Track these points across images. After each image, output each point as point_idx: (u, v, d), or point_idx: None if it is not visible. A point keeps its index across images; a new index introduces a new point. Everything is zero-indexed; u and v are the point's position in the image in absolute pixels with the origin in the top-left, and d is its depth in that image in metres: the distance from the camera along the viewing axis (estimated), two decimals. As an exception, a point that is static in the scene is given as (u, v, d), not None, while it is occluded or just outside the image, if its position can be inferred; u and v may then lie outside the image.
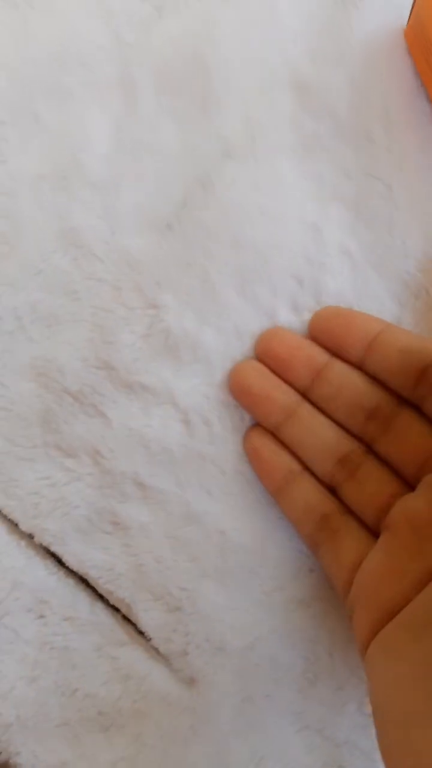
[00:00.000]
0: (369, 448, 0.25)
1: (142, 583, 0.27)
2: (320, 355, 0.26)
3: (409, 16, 0.27)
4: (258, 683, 0.26)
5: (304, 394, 0.26)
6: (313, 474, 0.26)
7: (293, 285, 0.27)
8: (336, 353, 0.26)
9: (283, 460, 0.26)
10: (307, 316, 0.27)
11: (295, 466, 0.26)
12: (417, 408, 0.25)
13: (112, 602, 0.27)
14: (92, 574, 0.27)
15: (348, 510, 0.25)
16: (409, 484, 0.24)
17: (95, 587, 0.27)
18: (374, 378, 0.25)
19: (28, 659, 0.26)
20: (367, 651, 0.22)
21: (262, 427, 0.26)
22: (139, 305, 0.27)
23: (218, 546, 0.27)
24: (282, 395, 0.26)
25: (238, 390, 0.26)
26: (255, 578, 0.27)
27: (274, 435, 0.26)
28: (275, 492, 0.26)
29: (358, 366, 0.25)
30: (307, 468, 0.26)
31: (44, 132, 0.28)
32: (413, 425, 0.24)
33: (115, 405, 0.27)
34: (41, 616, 0.26)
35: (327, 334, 0.26)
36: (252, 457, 0.26)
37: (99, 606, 0.27)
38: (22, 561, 0.26)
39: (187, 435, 0.27)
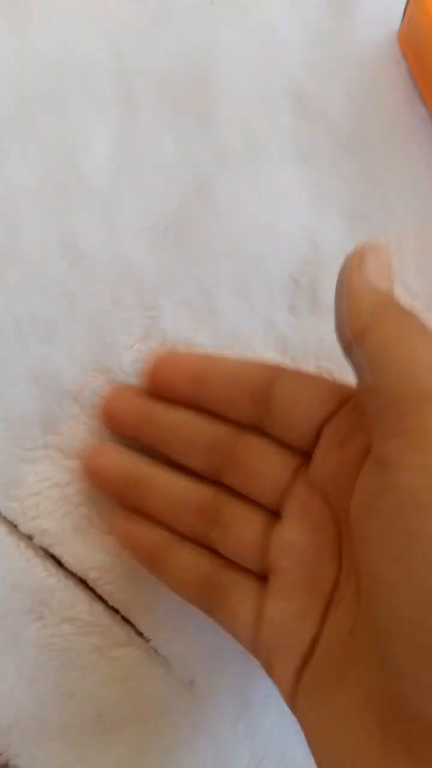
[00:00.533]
0: (221, 485, 0.24)
1: (142, 584, 0.27)
2: (144, 403, 0.25)
3: (402, 21, 0.28)
4: (258, 686, 0.26)
5: (139, 441, 0.25)
6: (185, 537, 0.24)
7: (290, 288, 0.27)
8: (168, 397, 0.25)
9: (147, 537, 0.25)
10: (304, 318, 0.27)
11: (164, 535, 0.24)
12: (262, 432, 0.23)
13: (111, 603, 0.27)
14: (91, 576, 0.27)
15: (228, 562, 0.23)
16: (274, 512, 0.23)
17: (94, 588, 0.27)
18: (210, 413, 0.24)
19: (28, 661, 0.26)
20: (295, 703, 0.20)
21: (124, 508, 0.26)
22: (137, 309, 0.27)
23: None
24: (117, 468, 0.25)
25: (96, 479, 0.26)
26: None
27: (139, 510, 0.25)
28: (158, 575, 0.25)
29: (193, 405, 0.24)
30: (176, 533, 0.24)
31: (43, 143, 0.28)
32: (255, 448, 0.23)
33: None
34: (40, 618, 0.26)
35: (155, 380, 0.25)
36: (125, 545, 0.26)
37: (98, 607, 0.27)
38: (22, 562, 0.27)
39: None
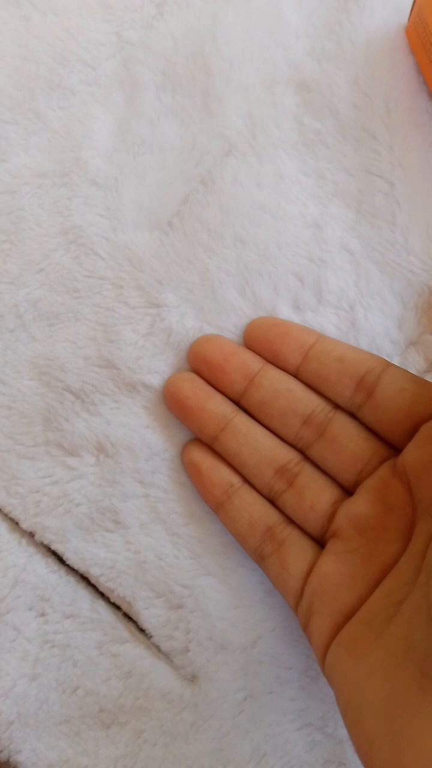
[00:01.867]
0: (305, 455, 0.25)
1: (144, 580, 0.27)
2: (254, 361, 0.26)
3: (410, 14, 0.27)
4: (260, 680, 0.26)
5: (238, 402, 0.26)
6: (252, 486, 0.26)
7: (294, 283, 0.27)
8: (271, 361, 0.26)
9: (222, 474, 0.26)
10: (308, 315, 0.27)
11: (235, 479, 0.26)
12: (352, 415, 0.25)
13: (113, 600, 0.27)
14: (93, 572, 0.27)
15: (290, 520, 0.25)
16: (347, 490, 0.25)
17: (96, 585, 0.27)
18: (309, 386, 0.25)
19: (30, 657, 0.26)
20: (328, 653, 0.22)
21: (199, 440, 0.26)
22: (141, 303, 0.27)
23: (220, 543, 0.27)
24: (216, 406, 0.26)
25: (173, 403, 0.26)
26: (257, 576, 0.27)
27: (212, 448, 0.26)
28: (216, 507, 0.26)
29: (293, 374, 0.26)
30: (246, 480, 0.26)
31: (46, 130, 0.28)
32: (348, 430, 0.24)
33: (117, 404, 0.27)
34: (42, 614, 0.26)
35: (262, 343, 0.26)
36: (191, 472, 0.26)
37: (100, 604, 0.27)
38: (23, 559, 0.26)
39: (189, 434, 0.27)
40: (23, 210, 0.27)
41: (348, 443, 0.24)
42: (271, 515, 0.25)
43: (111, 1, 0.28)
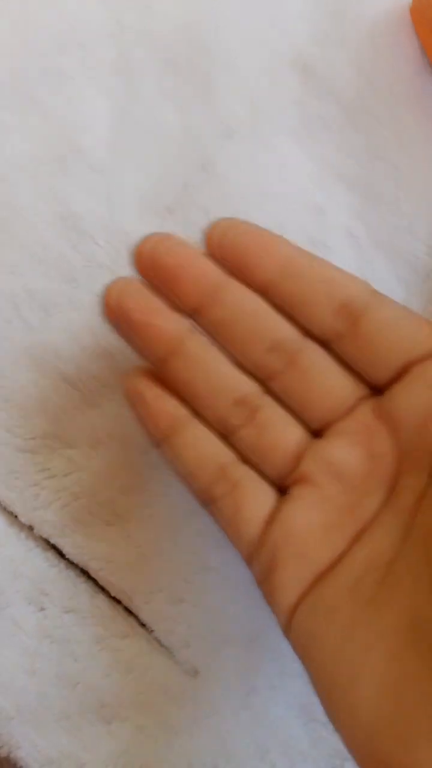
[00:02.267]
0: (267, 387, 0.22)
1: (144, 574, 0.26)
2: (216, 273, 0.21)
3: (415, -6, 0.27)
4: (263, 675, 0.26)
5: (193, 318, 0.22)
6: (204, 420, 0.22)
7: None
8: (238, 275, 0.21)
9: (168, 405, 0.22)
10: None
11: (183, 411, 0.22)
12: (325, 345, 0.22)
13: (113, 594, 0.26)
14: (93, 566, 0.26)
15: (246, 459, 0.22)
16: (315, 431, 0.22)
17: (96, 579, 0.26)
18: (279, 308, 0.22)
19: (29, 652, 0.26)
20: (296, 615, 0.20)
21: (145, 367, 0.23)
22: (140, 292, 0.27)
23: (222, 537, 0.26)
24: (167, 323, 0.21)
25: (113, 314, 0.22)
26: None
27: (160, 374, 0.22)
28: (161, 442, 0.22)
29: (263, 293, 0.21)
30: (197, 413, 0.22)
31: (43, 115, 0.28)
32: (322, 362, 0.21)
33: (115, 395, 0.27)
34: (42, 608, 0.26)
35: (230, 251, 0.21)
36: (132, 401, 0.23)
37: (100, 598, 0.26)
38: (22, 553, 0.26)
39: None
40: (19, 197, 0.27)
41: (320, 376, 0.21)
42: (224, 453, 0.22)
43: (108, -18, 0.28)
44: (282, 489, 0.22)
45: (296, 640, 0.20)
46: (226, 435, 0.22)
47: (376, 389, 0.21)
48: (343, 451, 0.21)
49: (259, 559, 0.21)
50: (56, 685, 0.26)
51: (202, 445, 0.22)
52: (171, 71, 0.28)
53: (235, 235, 0.22)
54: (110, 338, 0.26)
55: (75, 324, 0.27)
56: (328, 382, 0.21)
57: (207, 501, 0.22)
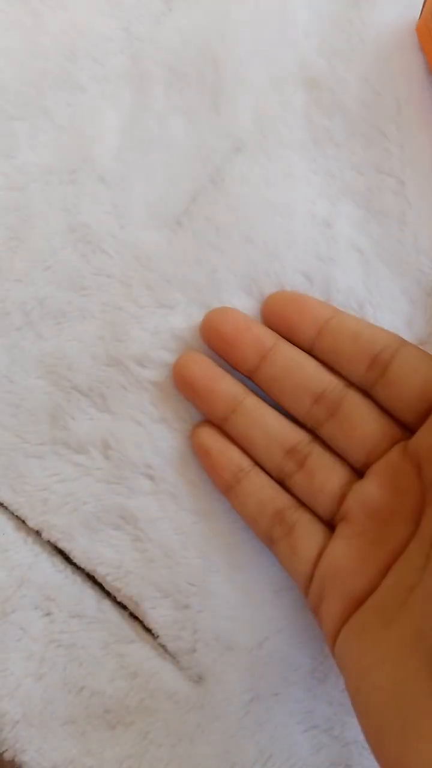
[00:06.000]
0: (315, 435, 0.25)
1: (150, 580, 0.26)
2: (268, 336, 0.25)
3: (422, 11, 0.27)
4: (266, 682, 0.26)
5: (251, 377, 0.25)
6: (262, 469, 0.25)
7: (303, 282, 0.27)
8: (286, 336, 0.25)
9: (231, 457, 0.25)
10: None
11: (245, 461, 0.25)
12: (365, 393, 0.24)
13: (119, 599, 0.27)
14: (99, 571, 0.26)
15: (300, 502, 0.25)
16: (358, 471, 0.24)
17: (102, 584, 0.27)
18: (323, 363, 0.25)
19: (35, 656, 0.26)
20: (338, 639, 0.22)
21: (209, 422, 0.26)
22: (149, 302, 0.27)
23: (228, 543, 0.26)
24: (226, 387, 0.25)
25: (182, 384, 0.26)
26: (264, 576, 0.26)
27: (222, 429, 0.26)
28: (226, 491, 0.26)
29: (308, 350, 0.25)
30: (256, 463, 0.25)
31: (54, 127, 0.28)
32: (360, 409, 0.24)
33: (124, 401, 0.27)
34: (48, 614, 0.26)
35: (278, 317, 0.26)
36: (200, 455, 0.26)
37: (106, 603, 0.27)
38: (30, 558, 0.26)
39: (196, 432, 0.27)
40: (31, 207, 0.27)
41: (360, 423, 0.24)
42: (281, 498, 0.25)
43: (120, -3, 0.28)
44: (333, 527, 0.24)
45: (338, 661, 0.22)
46: (281, 481, 0.25)
47: (410, 431, 0.24)
48: (374, 490, 0.23)
49: (311, 592, 0.24)
50: (61, 689, 0.26)
51: (262, 492, 0.25)
52: (180, 84, 0.28)
53: (281, 302, 0.26)
54: (119, 348, 0.27)
55: (84, 332, 0.27)
56: (367, 428, 0.24)
57: (268, 542, 0.25)
